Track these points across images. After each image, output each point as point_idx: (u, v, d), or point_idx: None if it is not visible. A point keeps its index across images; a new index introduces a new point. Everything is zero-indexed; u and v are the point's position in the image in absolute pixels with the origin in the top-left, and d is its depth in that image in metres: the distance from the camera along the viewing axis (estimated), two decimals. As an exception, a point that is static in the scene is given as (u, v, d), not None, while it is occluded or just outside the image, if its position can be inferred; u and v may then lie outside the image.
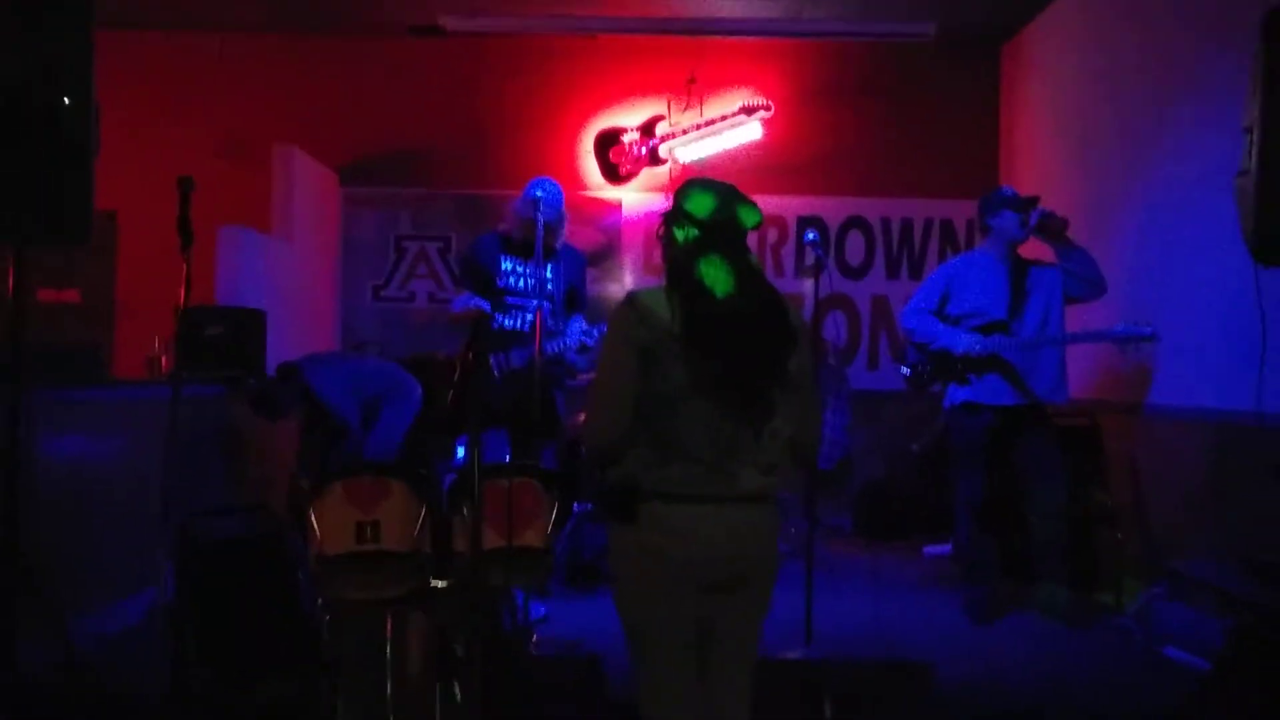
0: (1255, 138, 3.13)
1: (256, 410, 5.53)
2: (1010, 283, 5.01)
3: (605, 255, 7.81)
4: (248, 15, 7.45)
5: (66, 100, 3.00)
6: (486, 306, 4.93)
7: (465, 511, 2.88)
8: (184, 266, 3.10)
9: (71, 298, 6.74)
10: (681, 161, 7.64)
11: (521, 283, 4.99)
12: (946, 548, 6.53)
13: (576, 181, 7.68)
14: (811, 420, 2.52)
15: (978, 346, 4.93)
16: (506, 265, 4.98)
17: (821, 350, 7.31)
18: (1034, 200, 5.04)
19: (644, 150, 7.70)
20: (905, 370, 5.27)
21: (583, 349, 4.95)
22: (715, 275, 2.34)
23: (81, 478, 4.35)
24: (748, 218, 2.43)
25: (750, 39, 7.67)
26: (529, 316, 4.92)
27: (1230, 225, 3.27)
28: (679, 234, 2.41)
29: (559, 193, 5.00)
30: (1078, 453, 5.47)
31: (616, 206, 7.83)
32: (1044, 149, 7.13)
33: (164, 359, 5.53)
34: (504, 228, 5.13)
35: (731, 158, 7.59)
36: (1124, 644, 4.60)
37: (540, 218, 4.74)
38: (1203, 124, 4.91)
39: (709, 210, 2.40)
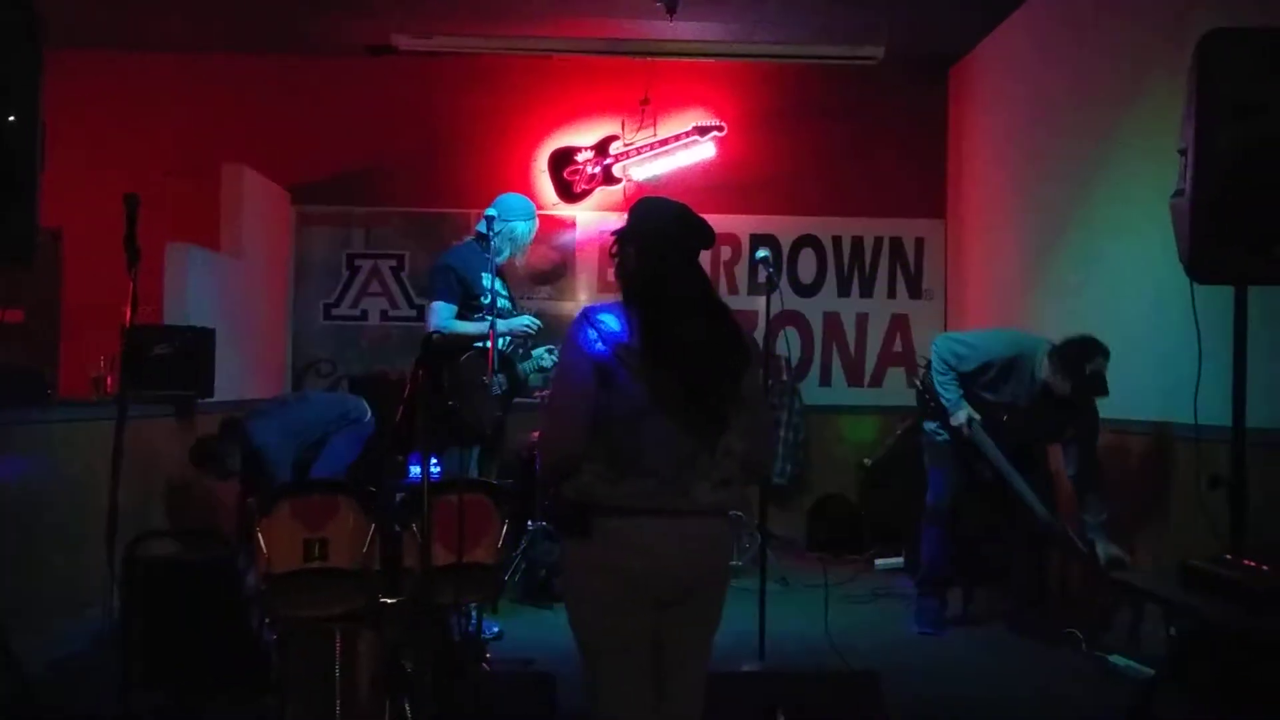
0: (1189, 159, 3.22)
1: (202, 467, 5.46)
2: (1038, 408, 4.94)
3: (560, 273, 7.84)
4: (198, 34, 7.39)
5: (12, 118, 2.96)
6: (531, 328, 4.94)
7: (415, 528, 2.87)
8: (130, 285, 3.07)
9: (15, 317, 6.61)
10: (636, 180, 7.69)
11: (500, 301, 4.93)
12: (898, 560, 6.60)
13: (531, 200, 7.67)
14: (762, 436, 2.56)
15: (966, 431, 4.99)
16: (486, 281, 4.85)
17: (775, 367, 7.38)
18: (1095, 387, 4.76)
19: (598, 169, 7.74)
20: (919, 385, 5.39)
21: (540, 370, 4.97)
22: (670, 293, 2.37)
23: (25, 500, 4.28)
24: (701, 237, 2.47)
25: (703, 61, 7.75)
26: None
27: (1168, 244, 3.36)
28: (634, 252, 2.45)
29: (511, 207, 4.99)
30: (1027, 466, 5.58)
31: (571, 224, 7.86)
32: (990, 169, 7.27)
33: (109, 379, 5.45)
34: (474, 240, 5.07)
35: (685, 177, 7.67)
36: (1070, 653, 4.68)
37: (491, 235, 4.76)
38: (1144, 144, 5.03)
39: (663, 229, 2.44)
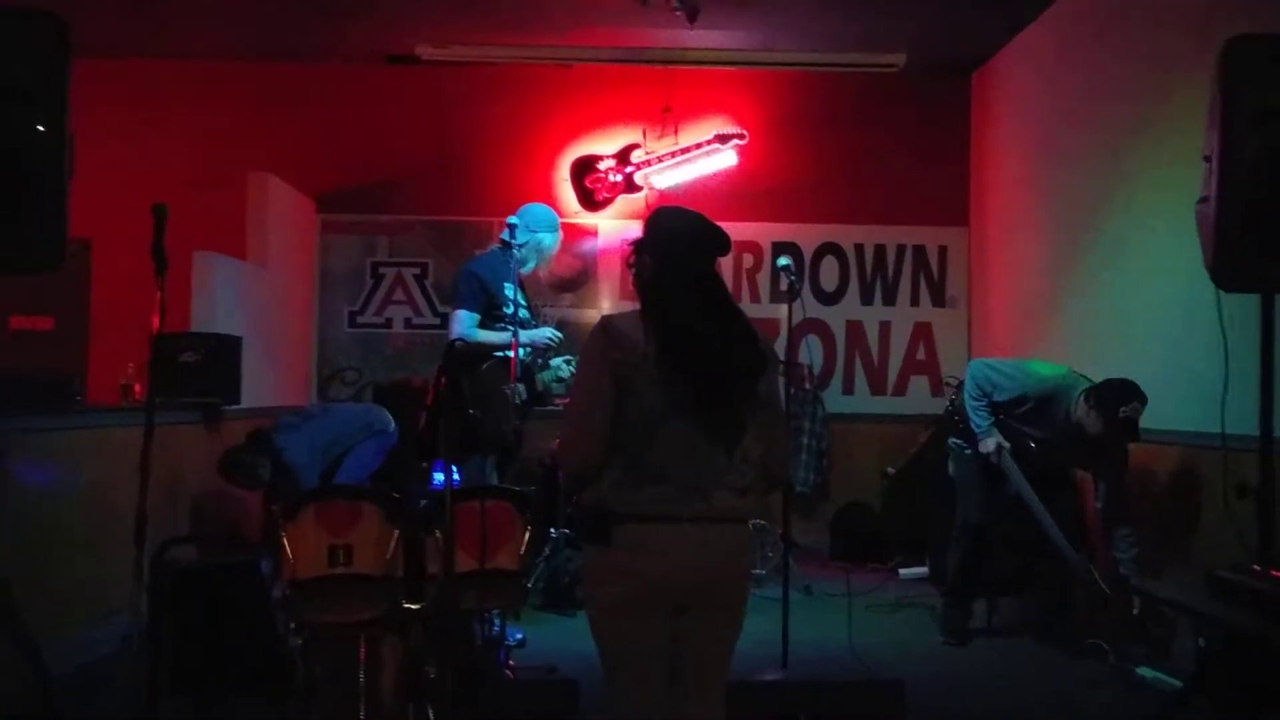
0: (1214, 165, 3.19)
1: (231, 478, 5.49)
2: (1068, 444, 4.91)
3: (582, 281, 7.86)
4: (224, 44, 7.47)
5: (41, 128, 3.00)
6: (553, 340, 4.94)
7: (438, 534, 2.89)
8: (158, 293, 3.10)
9: (45, 325, 6.71)
10: (657, 188, 7.70)
11: (522, 312, 4.91)
12: (922, 569, 6.56)
13: (553, 208, 7.71)
14: (779, 442, 2.57)
15: (995, 459, 4.95)
16: (509, 291, 4.84)
17: (797, 375, 7.36)
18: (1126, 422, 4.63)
19: (620, 177, 7.76)
20: (949, 405, 5.43)
21: (559, 380, 4.98)
22: (687, 300, 2.39)
23: (54, 506, 4.32)
24: (717, 245, 2.48)
25: (724, 69, 7.76)
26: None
27: (1194, 251, 3.34)
28: (650, 261, 2.47)
29: (537, 218, 5.01)
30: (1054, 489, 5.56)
31: (593, 233, 7.88)
32: (1013, 176, 7.23)
33: (137, 386, 5.49)
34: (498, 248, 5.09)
35: (707, 185, 7.67)
36: (1096, 664, 4.64)
37: (516, 246, 4.78)
38: (1168, 151, 5.00)
39: (679, 237, 2.46)
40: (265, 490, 5.60)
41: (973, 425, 5.00)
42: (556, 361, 5.00)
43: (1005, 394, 4.96)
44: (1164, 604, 4.64)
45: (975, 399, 5.00)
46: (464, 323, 4.83)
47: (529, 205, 5.17)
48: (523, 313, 4.89)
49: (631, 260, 2.53)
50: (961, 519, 5.20)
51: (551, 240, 5.04)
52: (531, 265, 5.00)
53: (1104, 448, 4.77)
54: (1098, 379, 4.84)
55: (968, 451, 5.12)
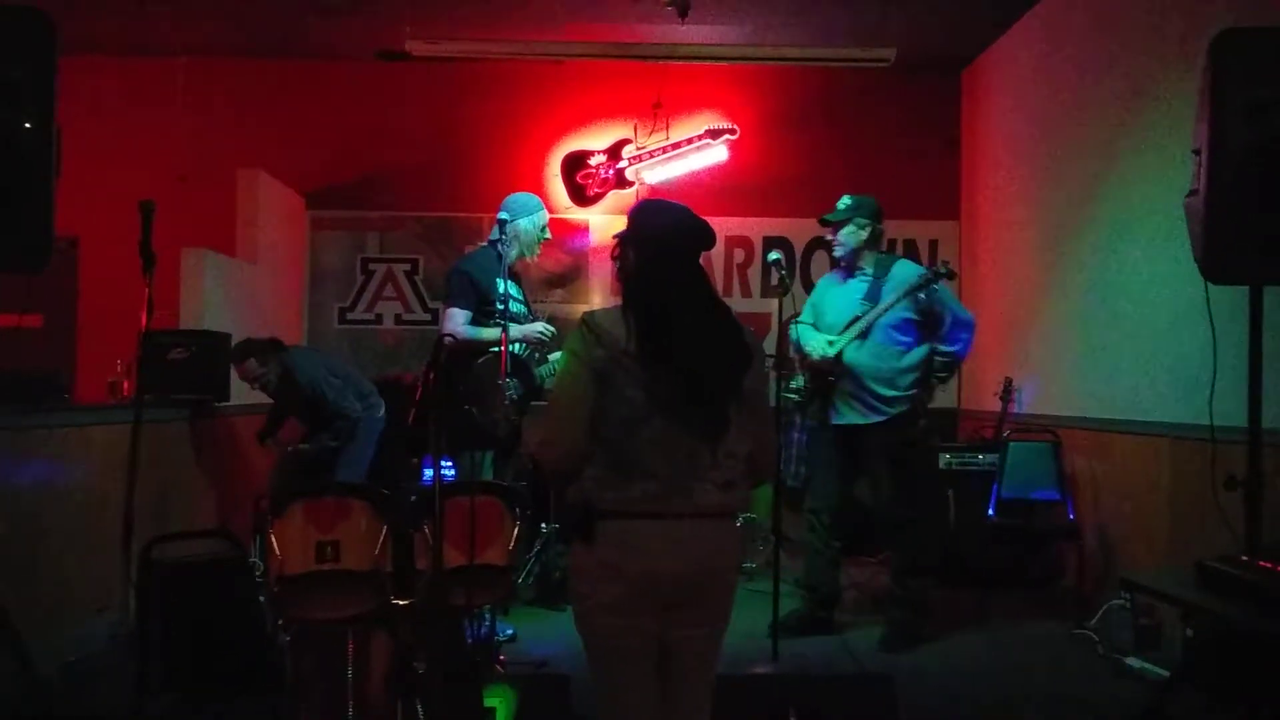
0: (1203, 159, 3.20)
1: (241, 365, 5.75)
2: (857, 301, 5.06)
3: (573, 276, 7.85)
4: (213, 39, 7.44)
5: (27, 125, 2.98)
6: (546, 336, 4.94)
7: (427, 529, 2.88)
8: (146, 290, 3.09)
9: (33, 322, 6.68)
10: (648, 184, 7.69)
11: (515, 306, 4.90)
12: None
13: (543, 203, 7.70)
14: (766, 437, 2.56)
15: (829, 349, 5.01)
16: (501, 287, 4.78)
17: (788, 369, 7.35)
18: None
19: (611, 173, 7.75)
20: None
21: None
22: (669, 294, 2.38)
23: (42, 503, 4.31)
24: (700, 238, 2.48)
25: (715, 64, 7.75)
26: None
27: (1183, 244, 3.34)
28: (634, 255, 2.46)
29: (513, 204, 4.97)
30: (1040, 467, 5.58)
31: (584, 228, 7.87)
32: (1004, 171, 7.24)
33: (126, 383, 5.49)
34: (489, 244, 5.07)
35: (698, 180, 7.66)
36: (1086, 654, 4.66)
37: (501, 239, 4.77)
38: (1157, 145, 5.01)
39: (663, 232, 2.45)
40: (272, 407, 5.95)
41: (806, 349, 5.14)
42: (555, 356, 4.99)
43: (809, 313, 5.36)
44: (1152, 594, 4.66)
45: (797, 335, 5.23)
46: (456, 320, 4.82)
47: (509, 195, 5.13)
48: (517, 307, 4.88)
49: (615, 254, 2.52)
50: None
51: (528, 224, 4.94)
52: (514, 253, 4.91)
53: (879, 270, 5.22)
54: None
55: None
